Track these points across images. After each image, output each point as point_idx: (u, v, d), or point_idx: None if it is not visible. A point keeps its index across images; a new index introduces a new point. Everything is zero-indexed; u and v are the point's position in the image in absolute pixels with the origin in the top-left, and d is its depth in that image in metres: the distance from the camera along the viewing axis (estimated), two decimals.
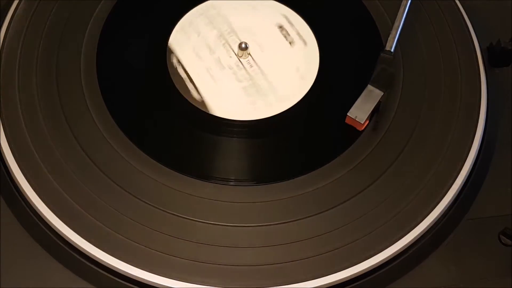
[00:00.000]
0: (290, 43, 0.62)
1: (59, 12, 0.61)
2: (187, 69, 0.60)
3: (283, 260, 0.49)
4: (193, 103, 0.58)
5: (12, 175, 0.52)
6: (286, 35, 0.63)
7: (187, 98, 0.58)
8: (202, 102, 0.58)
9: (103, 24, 0.61)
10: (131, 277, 0.48)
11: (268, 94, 0.59)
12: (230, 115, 0.57)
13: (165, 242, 0.49)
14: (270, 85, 0.60)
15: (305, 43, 0.62)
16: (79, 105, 0.56)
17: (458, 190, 0.53)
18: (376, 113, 0.57)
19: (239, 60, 0.61)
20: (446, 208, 0.52)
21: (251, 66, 0.61)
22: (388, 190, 0.53)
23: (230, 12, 0.64)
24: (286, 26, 0.63)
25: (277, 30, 0.63)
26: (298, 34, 0.63)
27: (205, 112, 0.57)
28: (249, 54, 0.61)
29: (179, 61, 0.59)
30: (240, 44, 0.61)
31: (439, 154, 0.55)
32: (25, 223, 0.51)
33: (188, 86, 0.58)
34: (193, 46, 0.61)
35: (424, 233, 0.51)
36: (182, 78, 0.59)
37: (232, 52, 0.61)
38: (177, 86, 0.58)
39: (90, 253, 0.49)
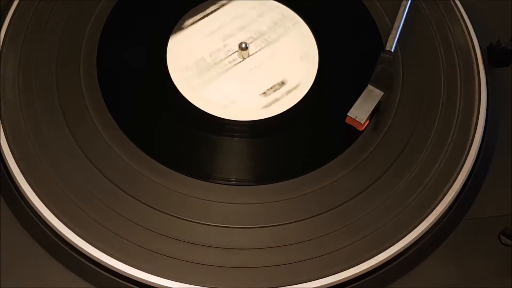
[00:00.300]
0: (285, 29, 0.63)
1: (59, 12, 0.61)
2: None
3: (284, 261, 0.49)
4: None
5: (12, 175, 0.52)
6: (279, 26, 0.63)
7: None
8: (213, 107, 0.58)
9: (103, 24, 0.61)
10: (131, 277, 0.48)
11: (288, 77, 0.60)
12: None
13: (164, 242, 0.49)
14: (285, 69, 0.60)
15: (294, 23, 0.63)
16: (79, 105, 0.56)
17: (458, 190, 0.53)
18: (376, 113, 0.57)
19: (240, 59, 0.61)
20: (446, 208, 0.52)
21: (254, 64, 0.61)
22: (388, 190, 0.53)
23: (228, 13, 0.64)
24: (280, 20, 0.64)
25: (262, 19, 0.63)
26: (294, 21, 0.64)
27: (205, 112, 0.57)
28: (249, 53, 0.61)
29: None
30: (240, 44, 0.61)
31: (439, 154, 0.55)
32: (25, 223, 0.51)
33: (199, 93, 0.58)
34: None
35: (424, 233, 0.51)
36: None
37: (233, 53, 0.61)
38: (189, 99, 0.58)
39: (90, 253, 0.49)
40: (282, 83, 0.60)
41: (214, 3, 0.64)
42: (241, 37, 0.62)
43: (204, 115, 0.57)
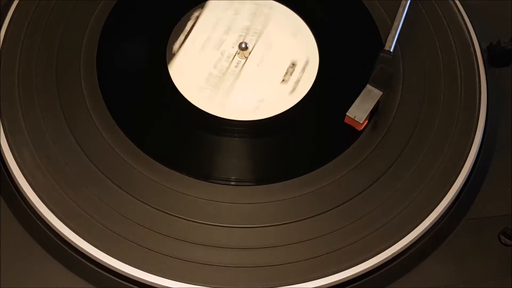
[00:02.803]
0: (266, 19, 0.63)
1: (59, 12, 0.61)
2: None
3: (284, 260, 0.49)
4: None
5: (12, 175, 0.52)
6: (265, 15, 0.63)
7: (223, 117, 0.57)
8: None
9: (103, 24, 0.61)
10: (131, 277, 0.48)
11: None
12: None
13: (164, 242, 0.49)
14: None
15: (270, 7, 0.64)
16: (79, 105, 0.56)
17: (458, 190, 0.53)
18: (375, 113, 0.57)
19: (243, 60, 0.61)
20: (446, 208, 0.52)
21: (257, 62, 0.61)
22: (388, 191, 0.53)
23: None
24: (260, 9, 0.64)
25: (254, 16, 0.64)
26: (270, 7, 0.64)
27: (205, 112, 0.57)
28: (249, 52, 0.62)
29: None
30: (240, 44, 0.61)
31: (439, 154, 0.55)
32: (25, 223, 0.51)
33: (214, 103, 0.58)
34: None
35: (424, 233, 0.51)
36: (205, 98, 0.58)
37: (233, 56, 0.61)
38: (204, 109, 0.57)
39: (90, 253, 0.49)
40: (293, 64, 0.60)
41: (189, 19, 0.63)
42: (232, 40, 0.62)
43: (204, 115, 0.57)
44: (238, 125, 0.57)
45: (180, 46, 0.62)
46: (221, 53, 0.62)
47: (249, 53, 0.61)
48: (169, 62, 0.60)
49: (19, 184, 0.52)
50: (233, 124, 0.57)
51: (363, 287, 0.50)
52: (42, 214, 0.50)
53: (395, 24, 0.58)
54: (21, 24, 0.60)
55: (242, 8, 0.64)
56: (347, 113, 0.55)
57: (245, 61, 0.61)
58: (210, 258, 0.49)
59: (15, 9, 0.61)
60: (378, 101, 0.55)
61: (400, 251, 0.50)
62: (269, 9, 0.64)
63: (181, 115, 0.57)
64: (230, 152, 0.56)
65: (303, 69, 0.60)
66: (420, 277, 0.50)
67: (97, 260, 0.49)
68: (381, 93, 0.55)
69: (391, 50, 0.57)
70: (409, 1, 0.59)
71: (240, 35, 0.62)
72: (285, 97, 0.59)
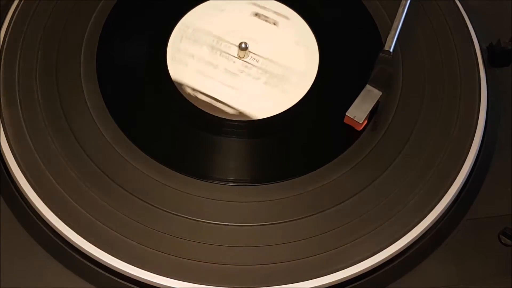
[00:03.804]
0: (274, 24, 0.63)
1: (59, 12, 0.61)
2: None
3: (283, 260, 0.49)
4: (230, 118, 0.57)
5: (12, 175, 0.52)
6: (265, 19, 0.63)
7: (222, 117, 0.57)
8: (241, 114, 0.58)
9: (103, 24, 0.61)
10: (131, 277, 0.48)
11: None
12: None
13: (164, 242, 0.49)
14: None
15: (286, 18, 0.63)
16: (79, 105, 0.56)
17: (458, 190, 0.53)
18: (375, 113, 0.57)
19: (244, 61, 0.61)
20: (446, 208, 0.52)
21: (258, 61, 0.61)
22: (387, 190, 0.53)
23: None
24: (261, 11, 0.64)
25: (256, 18, 0.64)
26: (276, 13, 0.64)
27: (205, 112, 0.57)
28: (250, 51, 0.61)
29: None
30: (240, 45, 0.61)
31: (439, 154, 0.55)
32: (25, 223, 0.51)
33: (218, 106, 0.58)
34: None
35: (424, 233, 0.51)
36: (207, 102, 0.58)
37: (233, 57, 0.62)
38: (206, 110, 0.57)
39: (90, 253, 0.49)
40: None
41: (184, 22, 0.63)
42: (231, 40, 0.62)
43: (203, 114, 0.57)
44: (237, 125, 0.57)
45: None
46: (221, 49, 0.62)
47: (249, 54, 0.61)
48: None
49: (19, 184, 0.52)
50: (232, 124, 0.57)
51: (363, 287, 0.50)
52: (42, 214, 0.50)
53: (395, 24, 0.58)
54: (21, 24, 0.60)
55: (261, 11, 0.64)
56: (346, 113, 0.55)
57: (243, 61, 0.61)
58: (209, 257, 0.49)
59: (15, 9, 0.61)
60: (377, 101, 0.55)
61: (400, 251, 0.50)
62: (283, 18, 0.64)
63: (181, 115, 0.57)
64: (229, 152, 0.56)
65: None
66: (420, 277, 0.50)
67: (97, 260, 0.49)
68: (380, 93, 0.55)
69: (391, 50, 0.57)
70: (409, 1, 0.59)
71: (246, 36, 0.62)
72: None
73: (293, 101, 0.59)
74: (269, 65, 0.61)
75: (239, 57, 0.61)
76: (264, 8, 0.64)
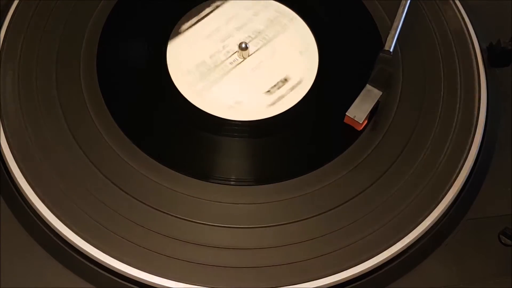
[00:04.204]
0: (274, 24, 0.63)
1: (59, 12, 0.61)
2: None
3: (283, 260, 0.49)
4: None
5: (12, 175, 0.52)
6: (266, 18, 0.64)
7: (224, 117, 0.57)
8: (243, 114, 0.58)
9: (103, 24, 0.61)
10: (131, 277, 0.48)
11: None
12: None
13: (164, 242, 0.49)
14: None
15: (286, 18, 0.64)
16: (79, 105, 0.56)
17: (458, 190, 0.53)
18: (375, 113, 0.57)
19: (244, 61, 0.61)
20: (446, 208, 0.52)
21: (258, 60, 0.61)
22: (388, 191, 0.53)
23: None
24: (261, 11, 0.64)
25: (256, 18, 0.64)
26: (276, 12, 0.64)
27: (205, 112, 0.57)
28: (250, 51, 0.62)
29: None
30: (240, 45, 0.61)
31: (439, 154, 0.55)
32: (25, 223, 0.51)
33: (222, 107, 0.58)
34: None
35: (424, 233, 0.51)
36: (212, 104, 0.58)
37: (233, 57, 0.61)
38: (207, 111, 0.57)
39: (90, 253, 0.49)
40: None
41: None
42: (239, 37, 0.62)
43: (204, 115, 0.57)
44: (238, 125, 0.57)
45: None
46: (223, 47, 0.62)
47: (249, 55, 0.62)
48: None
49: (19, 184, 0.52)
50: (233, 124, 0.57)
51: (363, 287, 0.50)
52: (42, 214, 0.50)
53: (395, 24, 0.58)
54: (21, 24, 0.60)
55: (263, 11, 0.64)
56: (346, 113, 0.55)
57: (242, 61, 0.61)
58: (210, 258, 0.49)
59: (15, 9, 0.61)
60: (377, 101, 0.55)
61: (400, 251, 0.50)
62: (288, 21, 0.64)
63: (181, 115, 0.57)
64: (230, 152, 0.56)
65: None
66: (420, 277, 0.50)
67: (97, 260, 0.49)
68: (380, 93, 0.55)
69: (391, 50, 0.57)
70: (408, 1, 0.59)
71: (249, 36, 0.63)
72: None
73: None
74: (269, 65, 0.61)
75: (239, 57, 0.61)
76: (264, 7, 0.64)
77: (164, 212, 0.51)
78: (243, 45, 0.61)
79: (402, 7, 0.59)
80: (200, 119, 0.57)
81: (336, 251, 0.50)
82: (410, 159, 0.55)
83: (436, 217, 0.52)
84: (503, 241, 0.52)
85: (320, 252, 0.50)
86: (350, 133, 0.56)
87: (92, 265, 0.49)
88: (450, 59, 0.60)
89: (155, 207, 0.51)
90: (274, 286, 0.48)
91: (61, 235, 0.50)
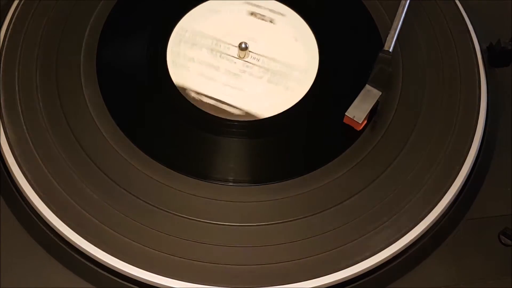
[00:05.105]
0: (270, 21, 0.63)
1: (59, 12, 0.61)
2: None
3: (283, 260, 0.49)
4: (236, 119, 0.57)
5: (12, 175, 0.52)
6: (262, 17, 0.63)
7: (229, 118, 0.57)
8: (247, 114, 0.58)
9: (103, 24, 0.61)
10: (131, 277, 0.48)
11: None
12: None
13: (164, 241, 0.49)
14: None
15: (282, 15, 0.63)
16: (79, 105, 0.56)
17: (458, 190, 0.53)
18: (375, 113, 0.57)
19: (244, 61, 0.61)
20: (446, 208, 0.52)
21: (258, 60, 0.61)
22: (387, 190, 0.53)
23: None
24: (256, 10, 0.64)
25: (252, 18, 0.64)
26: (271, 11, 0.64)
27: (205, 112, 0.57)
28: (250, 51, 0.62)
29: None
30: (240, 45, 0.61)
31: (439, 154, 0.55)
32: (25, 223, 0.51)
33: (224, 108, 0.58)
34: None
35: (424, 233, 0.51)
36: (212, 105, 0.58)
37: (234, 58, 0.62)
38: (212, 113, 0.57)
39: (90, 253, 0.49)
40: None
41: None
42: (239, 37, 0.62)
43: (203, 114, 0.57)
44: (237, 125, 0.57)
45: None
46: (223, 47, 0.62)
47: (248, 55, 0.62)
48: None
49: (19, 184, 0.52)
50: (232, 124, 0.57)
51: (363, 287, 0.50)
52: (42, 214, 0.50)
53: (395, 24, 0.58)
54: (21, 24, 0.60)
55: (257, 10, 0.65)
56: (346, 113, 0.55)
57: (242, 61, 0.61)
58: (208, 257, 0.49)
59: (15, 9, 0.61)
60: (377, 101, 0.55)
61: (400, 251, 0.50)
62: (288, 21, 0.64)
63: (181, 115, 0.57)
64: (229, 152, 0.56)
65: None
66: (420, 277, 0.50)
67: (97, 260, 0.49)
68: (380, 93, 0.55)
69: (391, 50, 0.57)
70: (408, 1, 0.59)
71: (245, 36, 0.62)
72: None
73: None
74: (270, 64, 0.61)
75: (239, 57, 0.61)
76: (259, 6, 0.64)
77: (164, 211, 0.51)
78: (243, 45, 0.61)
79: (402, 7, 0.59)
80: (200, 119, 0.57)
81: (336, 250, 0.50)
82: (409, 158, 0.55)
83: (436, 217, 0.52)
84: (503, 241, 0.52)
85: (319, 251, 0.50)
86: (350, 133, 0.56)
87: (92, 265, 0.49)
88: (450, 59, 0.60)
89: (154, 206, 0.51)
90: (273, 286, 0.48)
91: (61, 235, 0.50)
